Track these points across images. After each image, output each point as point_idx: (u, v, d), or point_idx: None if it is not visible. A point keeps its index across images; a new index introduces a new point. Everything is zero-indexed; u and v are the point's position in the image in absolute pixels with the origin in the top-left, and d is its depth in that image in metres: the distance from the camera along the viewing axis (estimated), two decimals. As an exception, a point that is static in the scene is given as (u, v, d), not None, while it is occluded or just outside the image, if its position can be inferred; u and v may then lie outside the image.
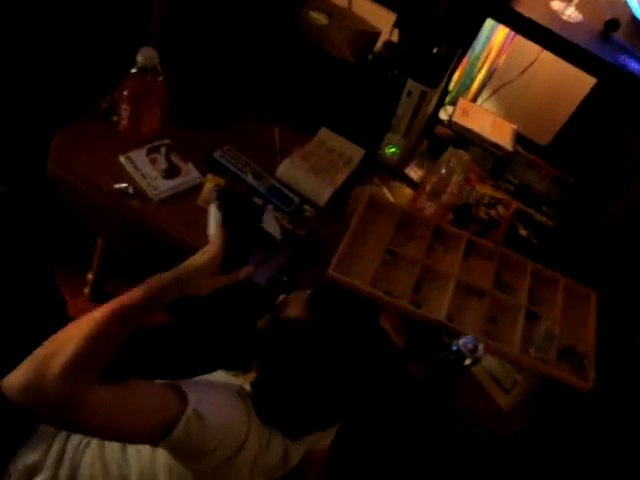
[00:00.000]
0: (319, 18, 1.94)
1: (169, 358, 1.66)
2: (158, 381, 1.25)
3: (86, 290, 2.22)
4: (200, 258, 1.24)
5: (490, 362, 1.59)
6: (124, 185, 1.62)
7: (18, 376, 0.98)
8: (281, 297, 1.36)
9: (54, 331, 1.06)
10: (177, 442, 1.08)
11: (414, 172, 2.02)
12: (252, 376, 1.28)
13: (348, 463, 1.97)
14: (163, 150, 1.72)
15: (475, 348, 1.47)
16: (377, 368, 1.29)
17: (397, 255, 1.69)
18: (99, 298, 2.23)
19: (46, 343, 1.02)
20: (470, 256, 1.76)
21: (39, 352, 1.00)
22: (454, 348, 1.48)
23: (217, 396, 1.19)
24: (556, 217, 2.07)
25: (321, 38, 1.89)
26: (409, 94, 1.80)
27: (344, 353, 1.21)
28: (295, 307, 1.27)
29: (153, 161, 1.69)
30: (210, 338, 1.67)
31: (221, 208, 1.29)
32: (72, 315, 1.60)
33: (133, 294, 1.13)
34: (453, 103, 2.20)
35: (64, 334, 1.03)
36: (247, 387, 1.27)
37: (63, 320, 1.56)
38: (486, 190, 2.02)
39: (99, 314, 1.06)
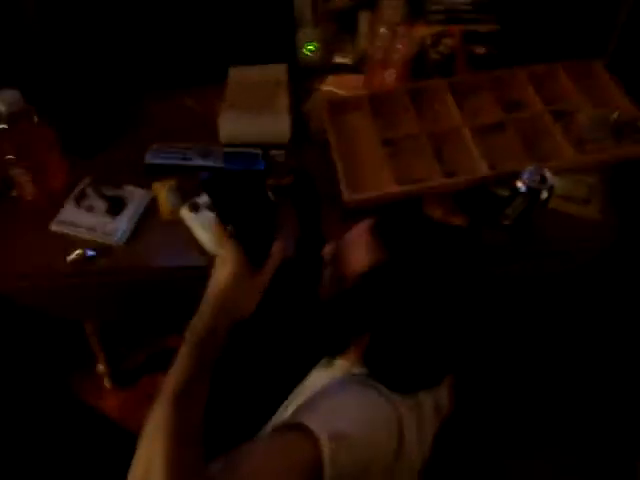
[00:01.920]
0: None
1: (253, 387, 1.40)
2: (266, 430, 1.07)
3: (106, 383, 1.92)
4: (223, 272, 0.98)
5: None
6: (78, 252, 1.31)
7: None
8: (327, 250, 1.12)
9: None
10: None
11: (343, 58, 1.75)
12: (353, 354, 1.05)
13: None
14: (90, 191, 1.41)
15: (543, 178, 1.26)
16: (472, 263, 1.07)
17: (395, 141, 1.44)
18: (124, 381, 1.94)
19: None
20: (461, 99, 1.52)
21: None
22: (522, 190, 1.26)
23: (340, 402, 0.95)
24: (497, 18, 1.84)
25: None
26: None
27: (443, 271, 0.99)
28: (361, 253, 1.03)
29: (89, 208, 1.39)
30: (282, 343, 1.41)
31: (213, 202, 1.02)
32: (114, 416, 1.36)
33: (182, 363, 0.89)
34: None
35: (140, 459, 0.82)
36: (357, 369, 1.03)
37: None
38: (422, 31, 1.77)
39: (161, 414, 0.84)
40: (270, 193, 1.32)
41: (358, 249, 1.03)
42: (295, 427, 0.86)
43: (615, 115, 1.41)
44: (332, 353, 1.13)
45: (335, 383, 1.02)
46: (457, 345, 1.04)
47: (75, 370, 1.92)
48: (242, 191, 1.01)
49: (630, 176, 1.45)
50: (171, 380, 0.88)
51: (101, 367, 1.90)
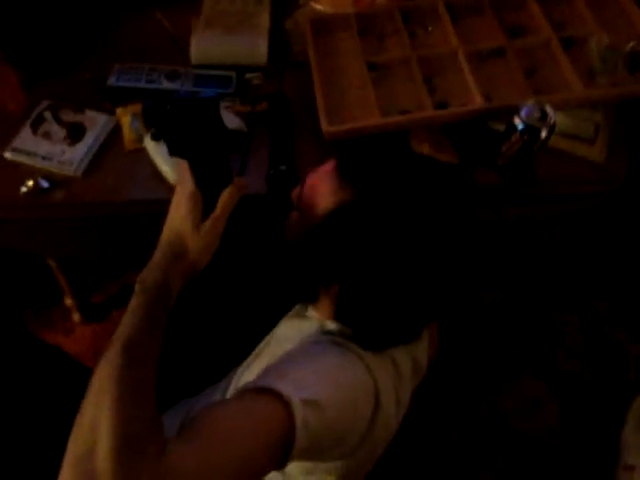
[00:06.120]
0: None
1: (217, 337, 1.32)
2: (234, 384, 1.01)
3: (75, 316, 1.85)
4: (177, 216, 0.90)
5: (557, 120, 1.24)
6: (31, 183, 1.20)
7: None
8: (296, 191, 1.02)
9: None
10: (305, 449, 0.76)
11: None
12: (326, 307, 0.97)
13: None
14: (48, 115, 1.29)
15: (544, 114, 1.13)
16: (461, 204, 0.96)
17: (382, 65, 1.30)
18: (94, 316, 1.86)
19: (72, 445, 0.68)
20: (458, 21, 1.37)
21: (72, 460, 0.67)
22: (520, 127, 1.13)
23: (314, 366, 0.86)
24: None
25: None
26: None
27: (420, 211, 0.89)
28: (326, 192, 0.93)
29: (46, 135, 1.27)
30: (248, 289, 1.32)
31: (158, 134, 0.91)
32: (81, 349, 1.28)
33: (133, 317, 0.81)
34: None
35: (84, 420, 0.70)
36: (331, 325, 0.95)
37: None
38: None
39: (106, 368, 0.74)
40: (241, 118, 1.20)
41: (323, 188, 0.94)
42: (265, 391, 0.78)
43: (631, 45, 1.26)
44: (301, 300, 1.05)
45: (308, 343, 0.93)
46: (436, 295, 0.95)
47: (43, 304, 1.84)
48: (190, 122, 0.89)
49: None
50: (120, 333, 0.79)
51: (69, 300, 1.82)
